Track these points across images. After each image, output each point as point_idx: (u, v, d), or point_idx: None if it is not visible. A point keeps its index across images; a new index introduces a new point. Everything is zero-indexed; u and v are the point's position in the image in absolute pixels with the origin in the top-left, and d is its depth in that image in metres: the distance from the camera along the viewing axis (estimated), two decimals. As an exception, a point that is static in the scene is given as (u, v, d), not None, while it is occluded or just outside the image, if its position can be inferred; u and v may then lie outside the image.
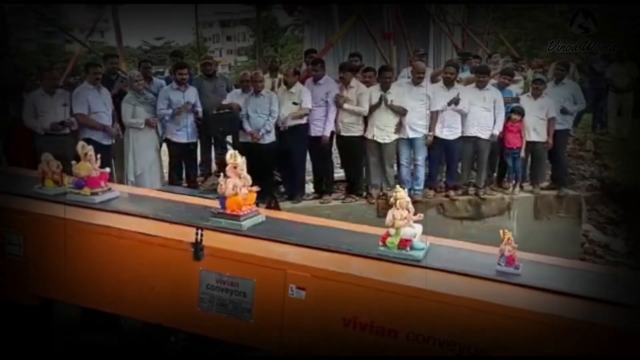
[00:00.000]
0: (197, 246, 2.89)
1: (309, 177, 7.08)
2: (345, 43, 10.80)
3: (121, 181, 6.41)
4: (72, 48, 15.76)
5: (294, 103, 6.44)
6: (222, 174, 3.27)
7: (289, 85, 6.51)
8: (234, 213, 3.16)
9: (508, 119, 6.83)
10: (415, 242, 2.85)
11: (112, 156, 6.26)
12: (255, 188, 3.30)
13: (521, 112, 6.78)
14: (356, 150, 6.78)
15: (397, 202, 2.84)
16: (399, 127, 6.60)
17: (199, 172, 7.25)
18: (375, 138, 6.59)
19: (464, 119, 6.69)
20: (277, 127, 6.51)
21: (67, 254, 3.16)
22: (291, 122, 6.45)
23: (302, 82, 6.75)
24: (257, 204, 3.40)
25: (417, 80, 6.65)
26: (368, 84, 6.69)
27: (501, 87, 7.06)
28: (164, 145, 6.88)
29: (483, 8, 14.42)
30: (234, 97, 6.72)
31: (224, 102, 6.71)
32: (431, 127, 6.64)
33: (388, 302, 2.59)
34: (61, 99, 6.10)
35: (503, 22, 18.76)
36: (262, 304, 2.80)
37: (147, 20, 39.27)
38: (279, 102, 6.44)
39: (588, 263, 5.90)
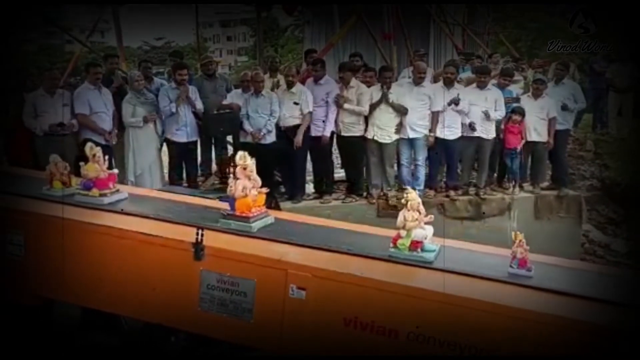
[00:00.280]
0: (198, 246, 2.89)
1: (309, 177, 7.08)
2: (346, 43, 10.81)
3: (121, 181, 6.40)
4: (73, 48, 15.75)
5: (295, 103, 6.45)
6: (229, 174, 3.26)
7: (289, 85, 6.51)
8: (244, 215, 3.14)
9: (509, 119, 6.84)
10: (426, 243, 2.84)
11: (112, 156, 6.26)
12: (265, 189, 3.29)
13: (522, 113, 6.78)
14: (356, 150, 6.78)
15: (408, 203, 2.81)
16: (400, 127, 6.60)
17: (199, 172, 7.25)
18: (375, 138, 6.59)
19: (464, 119, 6.69)
20: (277, 127, 6.51)
21: (68, 254, 3.16)
22: (291, 123, 6.46)
23: (303, 83, 6.75)
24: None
25: (417, 81, 6.65)
26: (368, 84, 6.69)
27: (501, 87, 7.06)
28: (165, 146, 6.88)
29: (483, 8, 14.41)
30: (234, 97, 6.73)
31: (225, 102, 6.72)
32: (432, 128, 6.64)
33: (388, 302, 2.59)
34: (61, 99, 6.11)
35: (503, 23, 18.76)
36: (262, 304, 2.79)
37: (147, 20, 39.24)
38: (280, 102, 6.44)
39: (589, 263, 5.89)
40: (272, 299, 2.77)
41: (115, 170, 3.70)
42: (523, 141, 6.84)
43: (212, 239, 2.95)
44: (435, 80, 7.16)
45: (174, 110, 6.41)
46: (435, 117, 6.61)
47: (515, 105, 6.93)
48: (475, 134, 6.73)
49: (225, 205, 3.50)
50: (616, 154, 9.19)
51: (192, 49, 22.99)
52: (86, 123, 6.17)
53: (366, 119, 6.61)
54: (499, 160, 7.17)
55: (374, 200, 6.72)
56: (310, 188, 7.00)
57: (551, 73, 8.26)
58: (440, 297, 2.53)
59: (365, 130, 6.63)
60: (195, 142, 6.87)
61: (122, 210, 3.40)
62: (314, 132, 6.58)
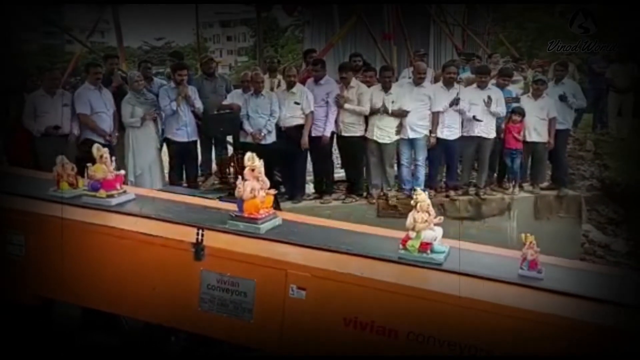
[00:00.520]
0: (198, 246, 2.89)
1: (309, 177, 7.08)
2: (346, 43, 10.79)
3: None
4: (73, 48, 15.76)
5: (296, 103, 6.45)
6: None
7: (290, 85, 6.51)
8: (252, 216, 3.13)
9: (509, 119, 6.84)
10: (435, 245, 2.82)
11: (113, 156, 6.25)
12: (273, 191, 3.28)
13: (522, 113, 6.79)
14: (357, 150, 6.78)
15: (418, 204, 2.79)
16: (400, 127, 6.60)
17: (199, 172, 7.26)
18: (376, 138, 6.60)
19: (466, 115, 6.69)
20: (277, 127, 6.52)
21: (68, 254, 3.16)
22: (292, 123, 6.47)
23: (302, 83, 6.76)
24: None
25: (418, 81, 6.66)
26: (369, 84, 6.69)
27: (499, 87, 7.07)
28: (165, 146, 6.88)
29: (483, 8, 14.41)
30: (234, 97, 6.73)
31: (225, 102, 6.72)
32: (433, 128, 6.64)
33: (388, 302, 2.59)
34: (61, 100, 6.11)
35: (503, 23, 18.78)
36: (262, 304, 2.80)
37: (147, 20, 39.24)
38: (281, 102, 6.45)
39: (588, 263, 5.89)
40: (272, 299, 2.77)
41: (122, 171, 3.69)
42: (524, 141, 6.85)
43: (212, 239, 2.95)
44: (435, 80, 7.17)
45: (174, 108, 6.41)
46: (435, 117, 6.62)
47: (515, 105, 6.94)
48: (476, 133, 6.73)
49: (225, 205, 3.50)
50: (616, 154, 9.19)
51: (193, 49, 23.01)
52: (87, 122, 6.18)
53: (366, 119, 6.61)
54: (499, 160, 7.18)
55: (374, 201, 6.73)
56: (310, 188, 7.01)
57: (551, 73, 8.25)
58: (439, 297, 2.54)
59: (366, 130, 6.63)
60: (195, 142, 6.87)
61: (140, 210, 3.39)
62: (314, 132, 6.58)
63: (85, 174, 3.56)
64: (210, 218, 3.27)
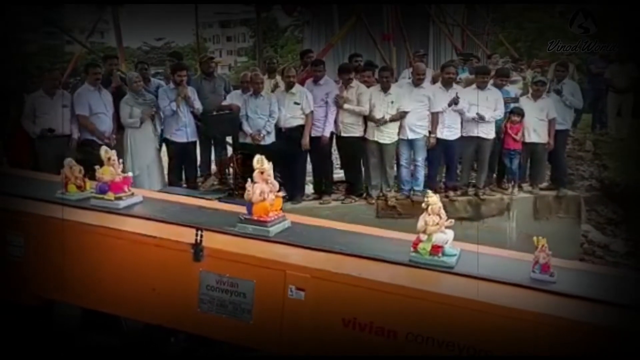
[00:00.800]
0: (197, 247, 2.90)
1: (308, 177, 7.08)
2: (345, 44, 10.81)
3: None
4: (73, 49, 15.75)
5: (296, 103, 6.45)
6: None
7: (289, 86, 6.51)
8: (261, 219, 3.13)
9: (508, 119, 6.84)
10: (447, 248, 2.83)
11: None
12: (282, 193, 3.28)
13: (521, 113, 6.79)
14: (356, 151, 6.78)
15: (429, 207, 2.79)
16: (399, 128, 6.60)
17: (198, 172, 7.25)
18: (375, 139, 6.60)
19: (467, 116, 6.69)
20: (277, 128, 6.52)
21: (68, 255, 3.17)
22: (292, 123, 6.48)
23: (301, 83, 6.76)
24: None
25: (417, 82, 6.66)
26: (368, 84, 6.69)
27: (497, 87, 7.06)
28: (164, 147, 6.88)
29: (483, 9, 14.43)
30: (233, 97, 6.73)
31: (224, 103, 6.72)
32: (433, 129, 6.64)
33: (387, 302, 2.60)
34: (61, 100, 6.11)
35: (502, 23, 18.79)
36: (261, 304, 2.80)
37: (147, 20, 39.27)
38: (281, 103, 6.45)
39: (588, 263, 5.89)
40: (272, 300, 2.77)
41: (130, 174, 3.68)
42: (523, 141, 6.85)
43: (211, 240, 2.96)
44: (434, 81, 7.17)
45: (174, 108, 6.41)
46: (435, 118, 6.61)
47: (514, 105, 6.93)
48: (475, 134, 6.73)
49: (225, 206, 3.51)
50: (615, 154, 9.19)
51: (192, 50, 23.00)
52: (86, 125, 6.17)
53: (366, 120, 6.61)
54: (498, 160, 7.18)
55: (373, 201, 6.73)
56: (309, 189, 7.01)
57: (551, 74, 8.26)
58: (438, 298, 2.55)
59: (365, 131, 6.64)
60: (195, 142, 6.85)
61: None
62: (314, 133, 6.57)
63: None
64: (210, 220, 3.28)
